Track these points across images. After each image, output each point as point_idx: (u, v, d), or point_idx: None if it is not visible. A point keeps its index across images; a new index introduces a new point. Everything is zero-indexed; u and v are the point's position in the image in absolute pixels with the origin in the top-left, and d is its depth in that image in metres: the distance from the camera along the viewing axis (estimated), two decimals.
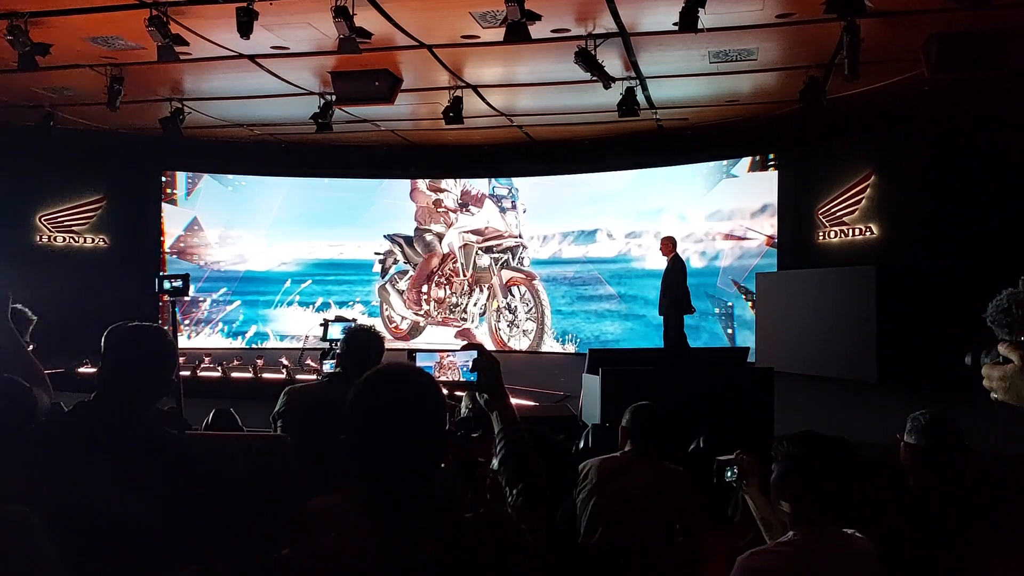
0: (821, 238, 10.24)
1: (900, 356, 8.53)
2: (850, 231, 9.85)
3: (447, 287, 12.75)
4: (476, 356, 1.91)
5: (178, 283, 3.94)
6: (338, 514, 1.67)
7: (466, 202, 12.89)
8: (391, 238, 12.98)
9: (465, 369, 2.00)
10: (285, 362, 9.11)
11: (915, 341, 8.45)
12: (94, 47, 7.63)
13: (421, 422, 1.41)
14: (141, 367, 1.95)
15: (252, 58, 8.06)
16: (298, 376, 8.17)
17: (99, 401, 1.89)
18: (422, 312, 12.85)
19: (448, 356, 2.11)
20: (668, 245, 9.32)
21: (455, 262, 12.75)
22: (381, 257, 13.05)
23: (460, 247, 12.76)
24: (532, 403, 7.15)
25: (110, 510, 1.68)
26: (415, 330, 12.89)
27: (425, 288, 12.82)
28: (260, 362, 9.23)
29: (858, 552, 2.20)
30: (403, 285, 12.93)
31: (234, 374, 8.87)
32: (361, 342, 3.19)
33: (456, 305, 12.72)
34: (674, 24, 6.52)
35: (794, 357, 8.65)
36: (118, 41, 7.47)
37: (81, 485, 1.69)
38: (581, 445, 4.66)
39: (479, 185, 12.95)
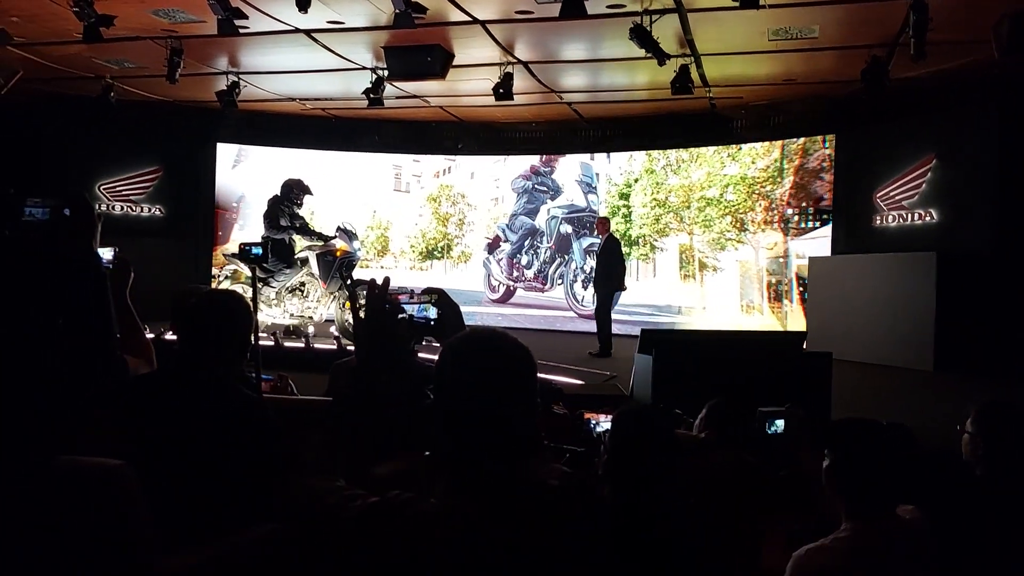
0: (878, 222, 10.01)
1: (958, 344, 8.33)
2: (909, 216, 9.60)
3: (533, 255, 13.18)
4: (438, 300, 1.83)
5: (258, 250, 4.01)
6: (406, 479, 1.69)
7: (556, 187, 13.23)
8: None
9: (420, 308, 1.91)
10: (336, 332, 9.24)
11: (974, 329, 8.24)
12: (155, 19, 7.75)
13: (517, 389, 1.37)
14: (221, 331, 2.00)
15: (308, 32, 8.12)
16: (349, 347, 8.27)
17: (182, 365, 1.94)
18: (512, 278, 13.25)
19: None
20: (603, 225, 9.93)
21: (543, 234, 13.18)
22: (490, 241, 13.55)
23: (547, 220, 13.14)
24: (578, 382, 7.13)
25: (194, 468, 1.74)
26: (508, 294, 13.35)
27: (516, 256, 13.30)
28: (312, 331, 9.39)
29: (916, 543, 2.15)
30: (501, 254, 13.47)
31: (287, 344, 9.03)
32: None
33: (540, 272, 13.12)
34: (734, 0, 6.40)
35: (847, 343, 8.49)
36: (179, 14, 7.57)
37: (168, 444, 1.75)
38: None
39: (568, 173, 13.02)
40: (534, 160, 13.13)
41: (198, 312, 2.04)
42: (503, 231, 13.45)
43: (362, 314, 1.62)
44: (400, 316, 1.75)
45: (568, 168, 12.96)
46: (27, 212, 1.64)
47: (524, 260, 13.32)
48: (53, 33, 8.11)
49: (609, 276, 9.57)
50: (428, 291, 1.86)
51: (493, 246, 13.54)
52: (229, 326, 2.05)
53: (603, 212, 12.54)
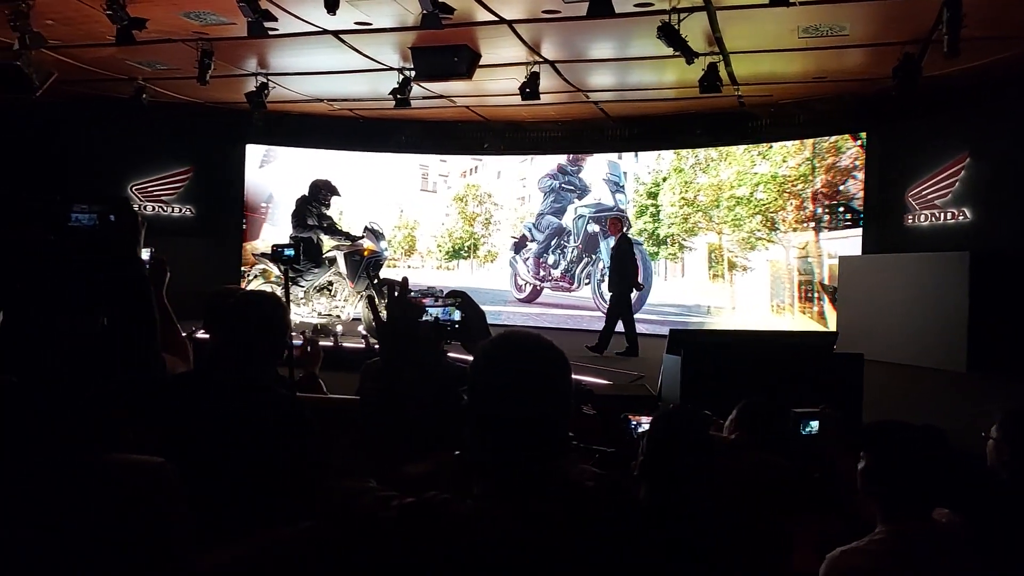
0: (910, 221, 9.87)
1: (992, 345, 8.19)
2: (942, 215, 9.46)
3: (560, 254, 13.18)
4: (461, 303, 1.85)
5: (291, 251, 4.05)
6: (436, 479, 1.69)
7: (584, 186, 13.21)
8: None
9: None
10: (363, 331, 9.30)
11: (1008, 330, 8.10)
12: (186, 22, 7.85)
13: (552, 392, 1.37)
14: (257, 332, 2.04)
15: (336, 34, 8.18)
16: (376, 346, 8.31)
17: (219, 364, 1.98)
18: (539, 277, 13.29)
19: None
20: (616, 225, 9.95)
21: (570, 234, 13.17)
22: (517, 240, 13.55)
23: (574, 219, 13.13)
24: (605, 382, 7.11)
25: (230, 467, 1.77)
26: (534, 293, 13.36)
27: (543, 256, 13.31)
28: (340, 330, 9.46)
29: (952, 546, 2.13)
30: (528, 254, 13.48)
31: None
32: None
33: (567, 271, 13.13)
34: None
35: (878, 343, 8.38)
36: (210, 16, 7.67)
37: (205, 442, 1.78)
38: None
39: (595, 172, 13.01)
40: (561, 159, 13.12)
41: (235, 313, 2.08)
42: (529, 230, 13.45)
43: (384, 315, 1.64)
44: (424, 318, 1.76)
45: (596, 167, 12.93)
46: (73, 218, 1.67)
47: (551, 259, 13.31)
48: (87, 36, 8.25)
49: (622, 276, 9.56)
50: (452, 294, 1.87)
51: (520, 245, 13.54)
52: (265, 327, 2.08)
53: (631, 211, 12.51)
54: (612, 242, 12.46)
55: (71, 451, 1.33)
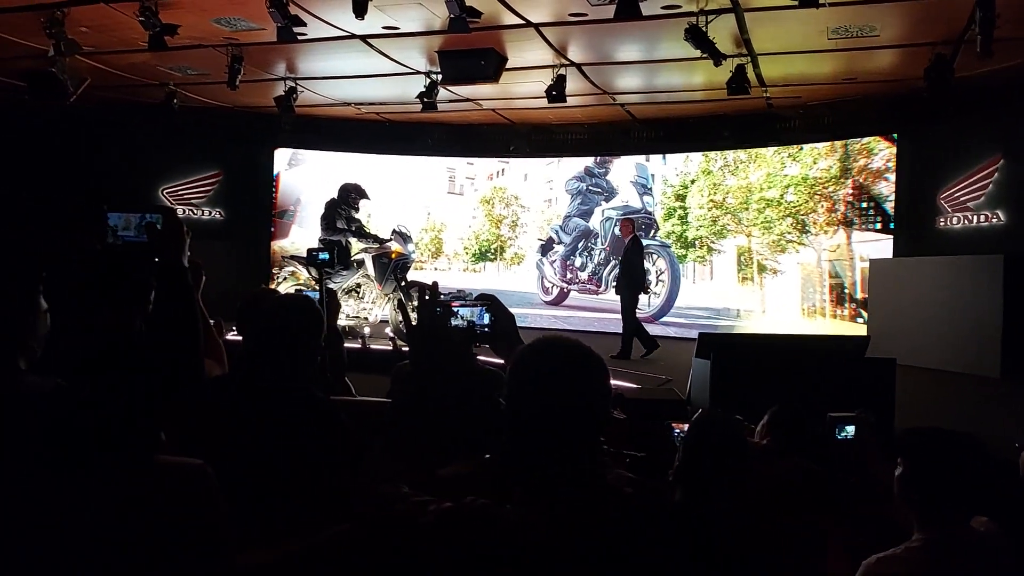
0: (942, 224, 9.73)
1: None
2: (974, 217, 9.31)
3: (588, 256, 13.16)
4: (490, 307, 1.83)
5: (325, 255, 4.09)
6: (470, 482, 1.70)
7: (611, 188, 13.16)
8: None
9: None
10: (391, 333, 9.34)
11: None
12: (217, 28, 7.95)
13: (592, 397, 1.37)
14: (295, 336, 2.06)
15: (364, 38, 8.24)
16: (404, 348, 8.36)
17: (255, 368, 2.00)
18: (566, 280, 13.31)
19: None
20: (627, 227, 9.91)
21: (597, 236, 13.14)
22: (544, 242, 13.51)
23: (601, 221, 13.10)
24: (633, 385, 7.08)
25: (267, 469, 1.79)
26: (561, 296, 13.35)
27: (570, 259, 13.31)
28: (368, 332, 9.52)
29: (990, 555, 2.10)
30: (555, 256, 13.44)
31: (344, 344, 9.15)
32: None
33: (594, 274, 13.09)
34: None
35: (910, 348, 8.26)
36: (240, 22, 7.76)
37: (242, 445, 1.80)
38: None
39: (622, 174, 12.99)
40: (588, 161, 13.10)
41: (272, 317, 2.10)
42: (556, 233, 13.42)
43: (414, 319, 1.64)
44: (454, 322, 1.77)
45: (623, 169, 12.89)
46: (120, 225, 1.70)
47: (578, 262, 13.27)
48: (120, 42, 8.38)
49: (631, 279, 9.53)
50: (481, 297, 1.88)
51: (547, 248, 13.52)
52: (302, 331, 2.10)
53: (659, 214, 12.43)
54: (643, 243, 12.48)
55: (124, 454, 1.35)
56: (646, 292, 10.02)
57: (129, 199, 11.62)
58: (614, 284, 12.73)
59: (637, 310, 9.71)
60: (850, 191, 10.81)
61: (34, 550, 1.30)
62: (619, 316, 9.67)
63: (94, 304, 1.83)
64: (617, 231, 12.64)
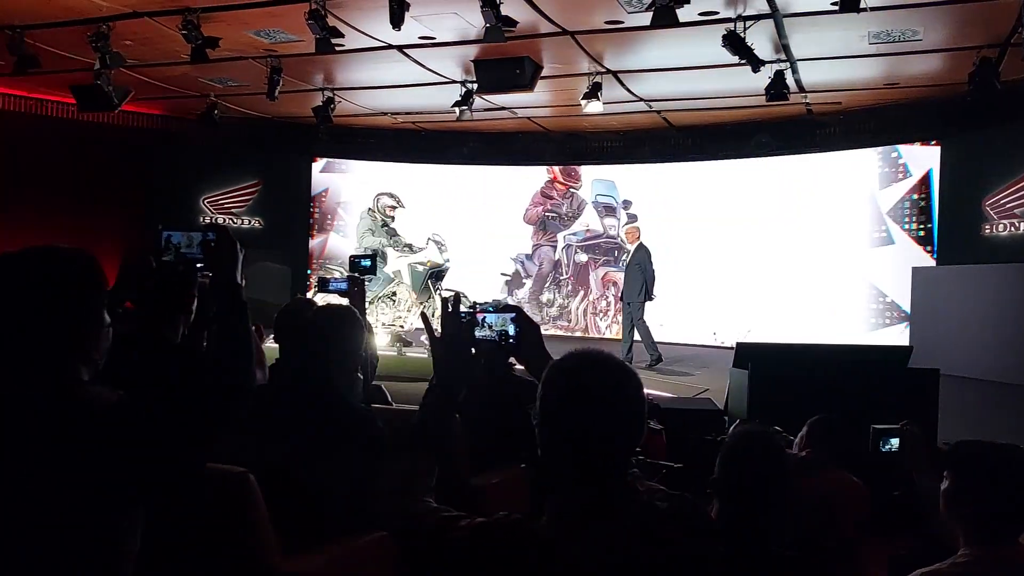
0: (988, 231, 9.50)
1: None
2: (1022, 224, 9.08)
3: (556, 290, 12.89)
4: (515, 317, 1.81)
5: (367, 262, 4.14)
6: (504, 491, 1.69)
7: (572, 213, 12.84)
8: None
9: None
10: (425, 340, 9.38)
11: None
12: (257, 40, 8.09)
13: (627, 409, 1.36)
14: (337, 345, 2.08)
15: (400, 48, 8.31)
16: None
17: (297, 377, 2.02)
18: (538, 317, 12.90)
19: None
20: (633, 233, 10.02)
21: (563, 265, 12.86)
22: (508, 278, 13.17)
23: (562, 248, 12.84)
24: (669, 395, 7.03)
25: (308, 475, 1.81)
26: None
27: (541, 295, 13.04)
28: (401, 343, 9.58)
29: None
30: (524, 292, 13.11)
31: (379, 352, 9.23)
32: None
33: (564, 307, 12.78)
34: (833, 3, 6.21)
35: (954, 358, 8.07)
36: (279, 34, 7.89)
37: (285, 452, 1.82)
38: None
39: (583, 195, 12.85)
40: (540, 182, 12.87)
41: (314, 326, 2.12)
42: (522, 264, 13.07)
43: (438, 332, 1.64)
44: (481, 334, 1.76)
45: (585, 190, 12.72)
46: (182, 244, 1.74)
47: (545, 297, 12.84)
48: (163, 55, 8.57)
49: (639, 286, 9.42)
50: (507, 308, 1.87)
51: (514, 284, 12.98)
52: (344, 341, 2.12)
53: (623, 234, 12.20)
54: (601, 272, 12.19)
55: (182, 463, 1.38)
56: (650, 299, 9.70)
57: (172, 211, 11.90)
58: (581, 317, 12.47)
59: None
60: (893, 198, 10.60)
61: (99, 555, 1.34)
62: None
63: (147, 318, 1.87)
64: (578, 259, 12.21)
